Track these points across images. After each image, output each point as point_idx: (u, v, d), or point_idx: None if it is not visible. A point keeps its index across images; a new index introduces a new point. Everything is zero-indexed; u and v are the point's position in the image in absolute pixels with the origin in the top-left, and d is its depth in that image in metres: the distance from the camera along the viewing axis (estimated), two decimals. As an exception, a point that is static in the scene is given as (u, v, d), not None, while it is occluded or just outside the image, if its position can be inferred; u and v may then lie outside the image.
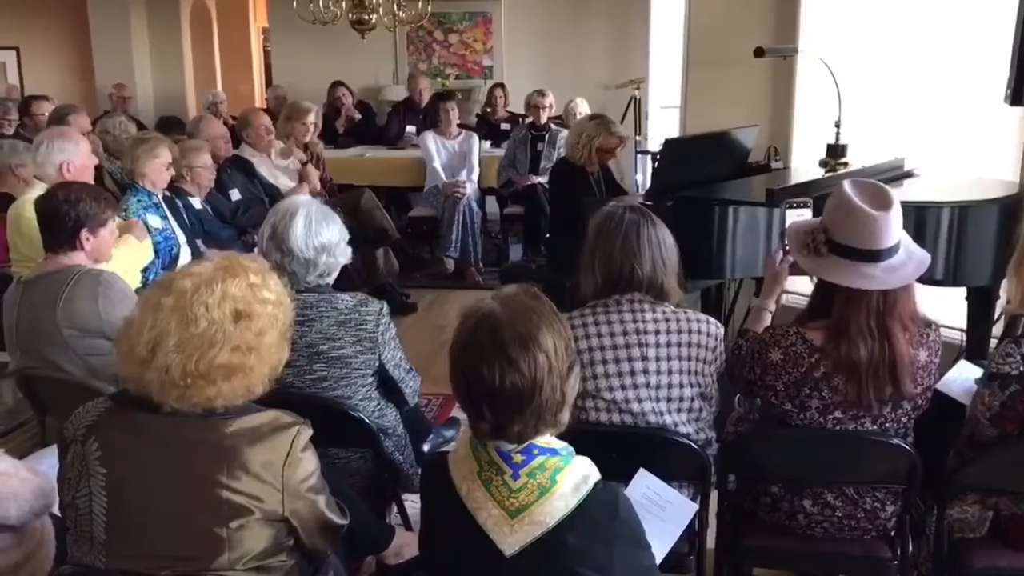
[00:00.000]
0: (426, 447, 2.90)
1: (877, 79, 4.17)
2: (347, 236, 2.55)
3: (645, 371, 2.16)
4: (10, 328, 2.81)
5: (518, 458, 1.54)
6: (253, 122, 5.49)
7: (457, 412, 3.60)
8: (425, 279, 6.28)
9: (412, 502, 2.84)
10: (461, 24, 8.75)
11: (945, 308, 3.40)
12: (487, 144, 7.07)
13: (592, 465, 1.59)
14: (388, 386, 2.58)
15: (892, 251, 2.04)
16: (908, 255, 2.07)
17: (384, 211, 5.89)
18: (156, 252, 3.83)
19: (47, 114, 5.96)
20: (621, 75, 7.67)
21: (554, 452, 1.56)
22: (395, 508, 2.82)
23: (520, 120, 7.25)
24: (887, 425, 2.11)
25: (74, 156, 3.61)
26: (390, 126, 7.65)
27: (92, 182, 3.85)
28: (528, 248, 6.52)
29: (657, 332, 2.17)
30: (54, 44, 9.91)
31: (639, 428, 2.16)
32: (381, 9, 6.50)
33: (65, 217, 2.73)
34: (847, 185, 2.08)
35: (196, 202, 4.52)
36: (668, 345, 2.17)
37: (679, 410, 2.19)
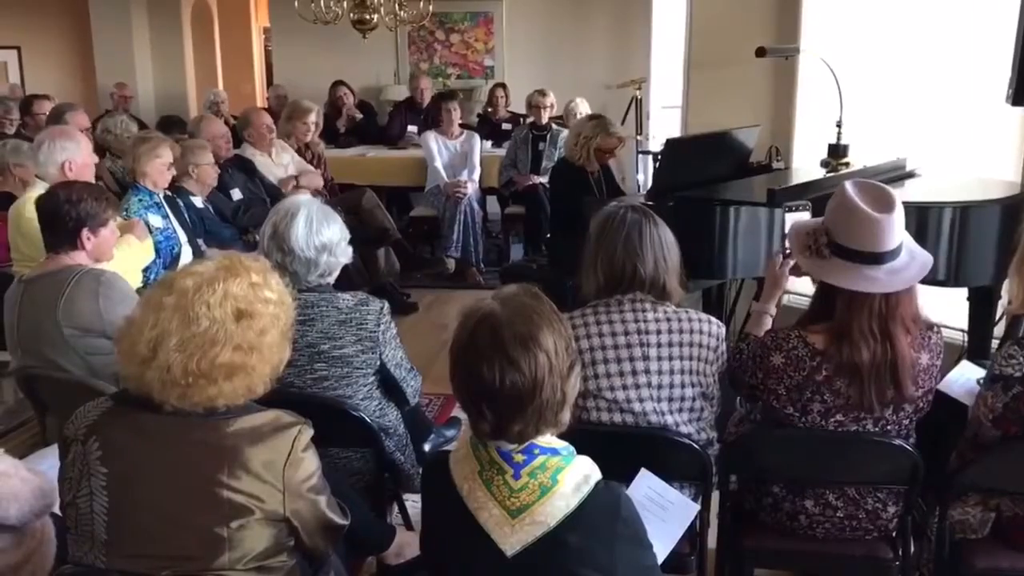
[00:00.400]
0: (427, 447, 2.90)
1: (879, 79, 4.16)
2: (348, 236, 2.55)
3: (646, 371, 2.16)
4: (11, 327, 2.81)
5: (519, 458, 1.54)
6: (254, 121, 5.50)
7: (458, 412, 3.60)
8: (426, 279, 6.28)
9: (413, 502, 2.84)
10: (462, 24, 8.75)
11: (947, 308, 3.40)
12: (488, 144, 7.07)
13: (593, 465, 1.59)
14: (389, 385, 2.58)
15: (895, 253, 2.04)
16: (911, 257, 2.07)
17: (385, 211, 5.90)
18: (157, 251, 3.83)
19: (48, 113, 5.96)
20: (622, 75, 7.66)
21: (555, 452, 1.56)
22: (396, 508, 2.82)
23: (521, 120, 7.25)
24: (888, 427, 2.11)
25: (76, 155, 3.61)
26: (391, 126, 7.65)
27: (93, 180, 3.86)
28: (529, 248, 6.52)
29: (658, 332, 2.16)
30: (55, 43, 9.92)
31: (640, 428, 2.16)
32: (382, 9, 6.51)
33: (66, 217, 2.73)
34: (849, 187, 2.08)
35: (198, 201, 4.52)
36: (669, 345, 2.16)
37: (680, 410, 2.19)
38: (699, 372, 2.19)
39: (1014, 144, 3.74)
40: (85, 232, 2.76)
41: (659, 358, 2.16)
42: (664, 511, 2.06)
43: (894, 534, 2.21)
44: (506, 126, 7.41)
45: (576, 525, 1.50)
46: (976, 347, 3.38)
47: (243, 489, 1.62)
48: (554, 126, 6.61)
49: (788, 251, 2.32)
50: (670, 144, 4.04)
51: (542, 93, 6.61)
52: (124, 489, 1.62)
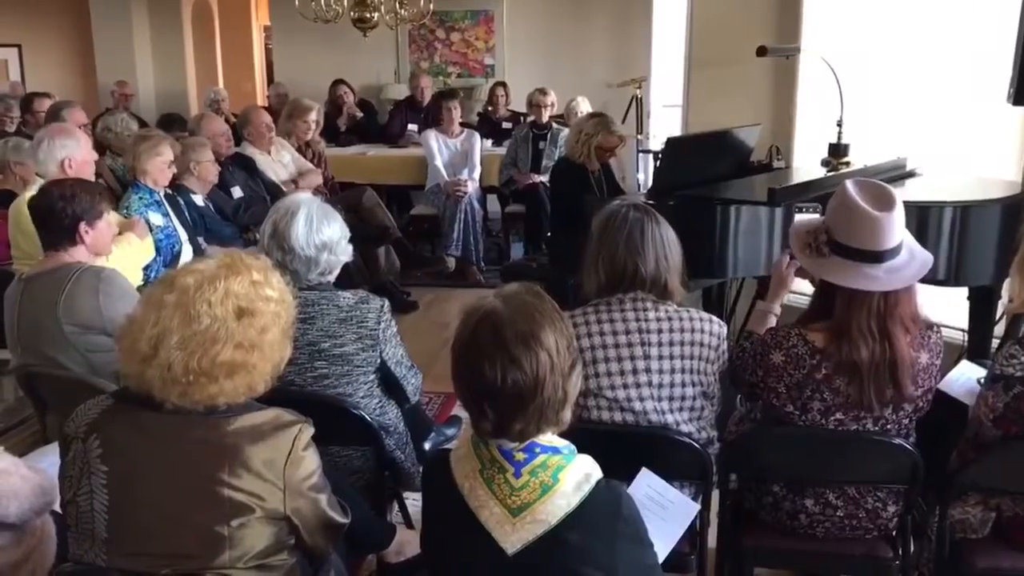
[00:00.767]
0: (427, 445, 2.90)
1: (879, 78, 4.16)
2: (348, 234, 2.55)
3: (647, 370, 2.16)
4: (11, 325, 2.81)
5: (520, 456, 1.54)
6: (253, 120, 5.50)
7: (458, 410, 3.60)
8: (426, 277, 6.28)
9: (413, 500, 2.84)
10: (463, 22, 8.74)
11: (947, 308, 3.40)
12: (488, 143, 7.07)
13: (594, 463, 1.59)
14: (389, 384, 2.58)
15: (895, 252, 2.04)
16: (911, 256, 2.07)
17: (385, 209, 5.90)
18: (158, 250, 3.83)
19: (46, 111, 5.95)
20: (623, 74, 7.65)
21: (556, 450, 1.56)
22: (396, 506, 2.83)
23: (522, 118, 7.24)
24: (888, 426, 2.11)
25: (75, 152, 3.61)
26: (392, 124, 7.65)
27: (93, 177, 3.87)
28: (529, 247, 6.51)
29: (659, 331, 2.16)
30: (56, 41, 9.92)
31: (640, 427, 2.16)
32: (383, 7, 6.50)
33: (62, 213, 2.73)
34: (850, 185, 2.08)
35: (198, 199, 4.52)
36: (671, 344, 2.16)
37: (680, 409, 2.19)
38: (700, 371, 2.19)
39: (1014, 144, 3.74)
40: (83, 226, 2.76)
41: (660, 357, 2.16)
42: (664, 510, 2.06)
43: (894, 533, 2.21)
44: (506, 125, 7.41)
45: (577, 524, 1.49)
46: (976, 347, 3.38)
47: (243, 487, 1.62)
48: (554, 125, 6.61)
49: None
50: (671, 143, 4.04)
51: (543, 92, 6.61)
52: (124, 487, 1.62)
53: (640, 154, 7.33)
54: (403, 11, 6.74)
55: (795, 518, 2.20)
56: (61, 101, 5.91)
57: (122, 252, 3.37)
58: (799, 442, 2.17)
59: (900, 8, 4.17)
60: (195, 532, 1.61)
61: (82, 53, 9.64)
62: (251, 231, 4.67)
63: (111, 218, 2.97)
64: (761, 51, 3.76)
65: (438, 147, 6.49)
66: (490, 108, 7.73)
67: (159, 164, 4.03)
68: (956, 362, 2.47)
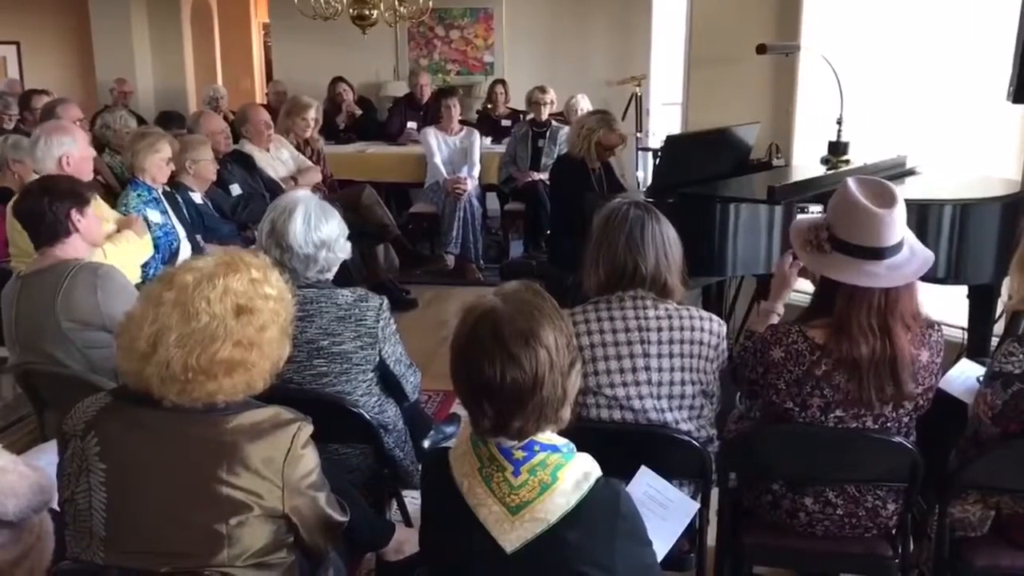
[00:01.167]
0: (426, 443, 2.90)
1: (879, 76, 4.16)
2: (346, 232, 2.54)
3: (647, 368, 2.15)
4: (9, 323, 2.81)
5: (519, 454, 1.53)
6: (251, 118, 5.49)
7: (458, 408, 3.60)
8: (425, 275, 6.27)
9: (412, 498, 2.84)
10: (462, 20, 8.74)
11: (947, 306, 3.40)
12: (488, 140, 7.07)
13: (593, 462, 1.58)
14: (388, 382, 2.58)
15: (895, 249, 2.04)
16: (912, 253, 2.06)
17: (384, 207, 5.89)
18: (156, 247, 3.82)
19: (40, 109, 5.94)
20: (622, 72, 7.66)
21: (555, 449, 1.55)
22: (395, 504, 2.82)
23: (521, 116, 7.23)
24: (888, 424, 2.11)
25: (72, 149, 3.61)
26: (391, 122, 7.64)
27: (92, 173, 3.86)
28: (529, 245, 6.52)
29: (659, 329, 2.16)
30: (54, 39, 9.91)
31: (640, 425, 2.16)
32: (382, 5, 6.49)
33: (50, 207, 2.72)
34: (851, 182, 2.08)
35: (197, 197, 4.51)
36: (670, 342, 2.16)
37: (680, 407, 2.18)
38: (699, 370, 2.19)
39: (1014, 142, 3.74)
40: (74, 214, 2.76)
41: (659, 355, 2.16)
42: (664, 509, 2.06)
43: (894, 532, 2.21)
44: (506, 123, 7.40)
45: (576, 522, 1.49)
46: (976, 345, 3.38)
47: (242, 486, 1.61)
48: (554, 123, 6.61)
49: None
50: (670, 141, 4.04)
51: (542, 90, 6.60)
52: (123, 485, 1.62)
53: (639, 152, 7.33)
54: (402, 8, 6.73)
55: (795, 516, 2.19)
56: (54, 99, 5.88)
57: (120, 249, 3.36)
58: (799, 440, 2.17)
59: (900, 6, 4.16)
60: (194, 530, 1.61)
61: (81, 50, 9.63)
62: (250, 229, 4.66)
63: (107, 213, 2.96)
64: (761, 49, 3.76)
65: (437, 145, 6.49)
66: (489, 106, 7.73)
67: (157, 161, 4.02)
68: (956, 360, 2.47)
